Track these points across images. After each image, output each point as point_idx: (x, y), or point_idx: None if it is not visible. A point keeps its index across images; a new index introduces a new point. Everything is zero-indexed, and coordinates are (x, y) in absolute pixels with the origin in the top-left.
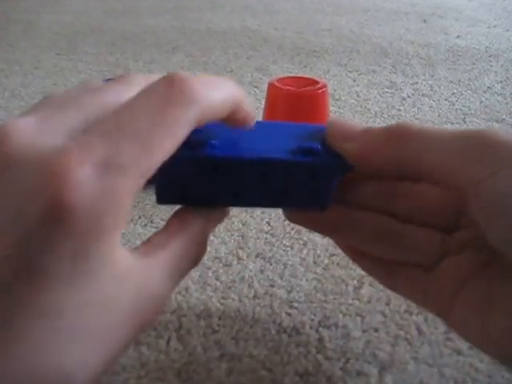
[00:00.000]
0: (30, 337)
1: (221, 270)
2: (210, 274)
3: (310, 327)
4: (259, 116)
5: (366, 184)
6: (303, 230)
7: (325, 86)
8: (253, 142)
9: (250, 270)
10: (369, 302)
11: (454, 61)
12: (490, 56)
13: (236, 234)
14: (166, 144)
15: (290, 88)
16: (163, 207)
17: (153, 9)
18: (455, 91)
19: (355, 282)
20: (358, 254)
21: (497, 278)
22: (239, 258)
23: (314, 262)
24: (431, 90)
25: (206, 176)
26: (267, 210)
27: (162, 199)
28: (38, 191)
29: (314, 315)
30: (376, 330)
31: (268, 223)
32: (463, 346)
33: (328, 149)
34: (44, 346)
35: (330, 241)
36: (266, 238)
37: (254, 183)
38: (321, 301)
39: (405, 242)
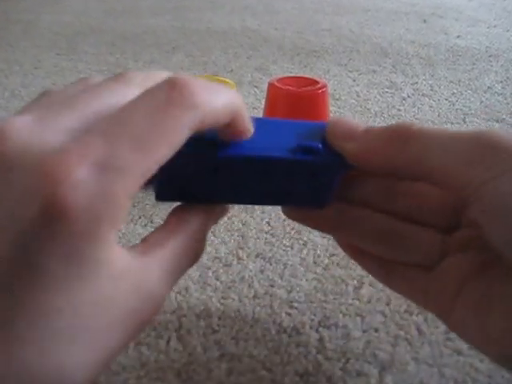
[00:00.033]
0: (28, 337)
1: (221, 270)
2: (210, 274)
3: (310, 327)
4: (259, 116)
5: (366, 182)
6: (303, 230)
7: (325, 85)
8: (253, 139)
9: (250, 270)
10: (369, 302)
11: (454, 61)
12: (490, 56)
13: (236, 234)
14: (165, 147)
15: (290, 88)
16: (163, 207)
17: (153, 9)
18: (455, 91)
19: (355, 282)
20: (358, 253)
21: (497, 279)
22: (239, 258)
23: (314, 262)
24: (431, 89)
25: (206, 174)
26: (267, 209)
27: (161, 197)
28: (35, 191)
29: (314, 315)
30: (376, 330)
31: (268, 223)
32: (463, 346)
33: (328, 147)
34: (42, 346)
35: (330, 241)
36: (266, 238)
37: (253, 181)
38: (321, 301)
39: (405, 242)
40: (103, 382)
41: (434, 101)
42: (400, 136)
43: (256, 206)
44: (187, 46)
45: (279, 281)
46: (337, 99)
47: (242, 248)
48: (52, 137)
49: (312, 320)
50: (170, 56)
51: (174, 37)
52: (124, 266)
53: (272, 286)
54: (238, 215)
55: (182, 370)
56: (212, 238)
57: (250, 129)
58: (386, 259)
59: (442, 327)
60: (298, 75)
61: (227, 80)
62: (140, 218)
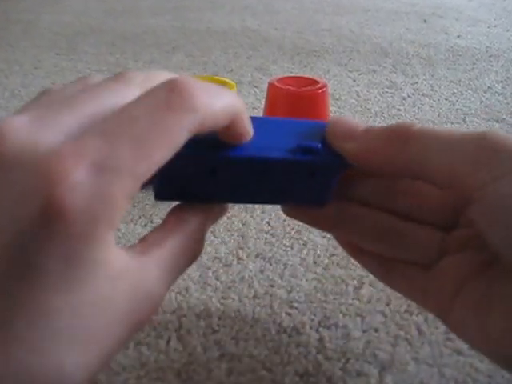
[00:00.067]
0: (27, 337)
1: (221, 270)
2: (210, 273)
3: (310, 327)
4: (259, 116)
5: (365, 180)
6: (303, 229)
7: (325, 85)
8: (252, 139)
9: (250, 270)
10: (369, 302)
11: (455, 61)
12: (490, 56)
13: (236, 233)
14: (164, 149)
15: (290, 88)
16: (163, 207)
17: (153, 9)
18: (455, 91)
19: (355, 282)
20: (357, 251)
21: (496, 279)
22: (239, 258)
23: (314, 262)
24: (431, 89)
25: (205, 174)
26: (267, 209)
27: (160, 196)
28: (33, 192)
29: (314, 315)
30: (376, 330)
31: (268, 223)
32: (463, 346)
33: (328, 147)
34: (41, 346)
35: (330, 241)
36: (266, 238)
37: (253, 181)
38: (321, 301)
39: (404, 240)
40: (103, 382)
41: (434, 101)
42: (400, 136)
43: (256, 206)
44: (187, 45)
45: (279, 281)
46: (337, 99)
47: (241, 248)
48: (50, 137)
49: (312, 320)
50: (170, 56)
51: (173, 37)
52: (122, 267)
53: (272, 286)
54: (237, 215)
55: (181, 370)
56: (212, 237)
57: (249, 131)
58: (385, 257)
59: (442, 327)
60: (298, 75)
61: (227, 80)
62: (140, 217)
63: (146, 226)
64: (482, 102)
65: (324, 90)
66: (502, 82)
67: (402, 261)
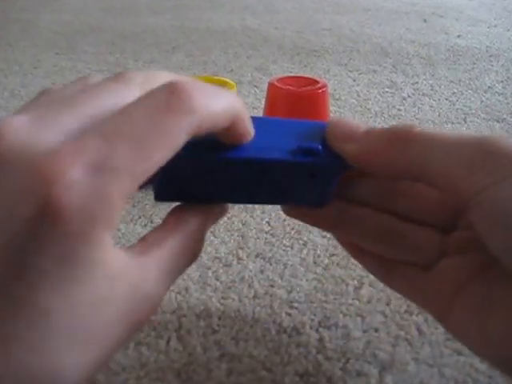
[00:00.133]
0: (26, 337)
1: (221, 270)
2: (210, 274)
3: (310, 327)
4: (259, 116)
5: (366, 181)
6: (303, 229)
7: (325, 85)
8: (252, 140)
9: (250, 270)
10: (369, 302)
11: (455, 60)
12: (490, 56)
13: (236, 234)
14: (162, 150)
15: (290, 88)
16: (163, 207)
17: (152, 7)
18: (456, 91)
19: (355, 282)
20: (358, 251)
21: (496, 281)
22: (239, 258)
23: (314, 262)
24: (432, 89)
25: (205, 175)
26: (267, 209)
27: (160, 197)
28: (30, 191)
29: (314, 315)
30: (376, 331)
31: (268, 223)
32: (464, 346)
33: (328, 148)
34: (40, 346)
35: (330, 241)
36: (266, 238)
37: (253, 182)
38: (321, 301)
39: (404, 241)
40: (103, 382)
41: (435, 100)
42: (401, 138)
43: (256, 206)
44: (187, 45)
45: (279, 281)
46: (337, 99)
47: (241, 248)
48: (50, 137)
49: (312, 320)
50: (170, 55)
51: (173, 36)
52: (120, 267)
53: (272, 286)
54: (237, 215)
55: (181, 370)
56: (212, 237)
57: (250, 132)
58: (385, 258)
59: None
60: (298, 75)
61: (227, 80)
62: (140, 217)
63: (145, 225)
64: (482, 101)
65: (324, 89)
66: (502, 81)
67: (402, 262)
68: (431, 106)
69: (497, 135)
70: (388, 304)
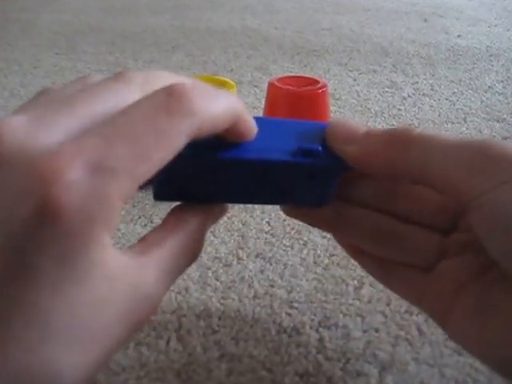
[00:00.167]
0: (25, 337)
1: (221, 270)
2: (210, 274)
3: (311, 327)
4: (259, 116)
5: (365, 183)
6: (303, 230)
7: (325, 85)
8: (253, 141)
9: (250, 270)
10: (369, 302)
11: (455, 60)
12: (490, 55)
13: (236, 234)
14: (162, 152)
15: (290, 87)
16: (163, 207)
17: (152, 7)
18: (456, 91)
19: (355, 282)
20: (357, 252)
21: (496, 283)
22: (239, 258)
23: (314, 262)
24: (432, 89)
25: (205, 175)
26: (267, 209)
27: (159, 196)
28: (29, 191)
29: (315, 315)
30: (376, 331)
31: (268, 223)
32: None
33: (328, 149)
34: (38, 346)
35: (330, 241)
36: (266, 238)
37: (253, 182)
38: (321, 301)
39: (403, 242)
40: (103, 382)
41: (435, 100)
42: (401, 140)
43: (256, 206)
44: (187, 45)
45: (279, 281)
46: (337, 99)
47: (242, 248)
48: (48, 137)
49: (312, 320)
50: (170, 55)
51: (173, 36)
52: (119, 267)
53: (272, 286)
54: (237, 215)
55: (181, 370)
56: (212, 237)
57: (252, 130)
58: (384, 259)
59: None
60: (298, 75)
61: (227, 80)
62: (140, 217)
63: (145, 225)
64: (482, 101)
65: (324, 89)
66: (502, 81)
67: (402, 263)
68: (431, 106)
69: (494, 139)
70: (388, 304)
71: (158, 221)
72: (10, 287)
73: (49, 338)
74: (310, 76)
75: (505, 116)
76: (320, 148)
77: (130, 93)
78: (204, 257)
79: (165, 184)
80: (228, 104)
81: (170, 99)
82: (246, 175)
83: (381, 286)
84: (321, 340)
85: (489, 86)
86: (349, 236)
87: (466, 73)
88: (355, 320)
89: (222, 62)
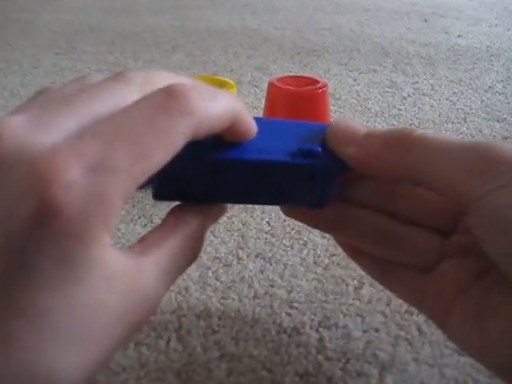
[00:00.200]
0: (25, 337)
1: (221, 270)
2: (210, 274)
3: (311, 327)
4: (259, 116)
5: (366, 183)
6: (303, 230)
7: (325, 85)
8: (252, 141)
9: (250, 270)
10: (369, 302)
11: (455, 60)
12: (491, 55)
13: (236, 234)
14: (160, 151)
15: (290, 87)
16: (163, 207)
17: (152, 7)
18: (456, 90)
19: (356, 282)
20: (356, 252)
21: (496, 285)
22: (239, 258)
23: (315, 262)
24: (432, 89)
25: (205, 176)
26: (267, 209)
27: (159, 196)
28: (28, 191)
29: (315, 315)
30: (376, 331)
31: (268, 223)
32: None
33: (328, 150)
34: (38, 346)
35: (331, 241)
36: (266, 238)
37: (252, 183)
38: (321, 301)
39: (403, 243)
40: (103, 382)
41: (435, 100)
42: (401, 142)
43: (256, 206)
44: (187, 45)
45: (279, 281)
46: (337, 99)
47: (242, 248)
48: (48, 137)
49: (312, 320)
50: (170, 55)
51: (173, 36)
52: (118, 268)
53: (272, 286)
54: (237, 215)
55: (181, 370)
56: (212, 237)
57: (252, 130)
58: (384, 260)
59: None
60: (298, 74)
61: (227, 80)
62: (140, 217)
63: (145, 225)
64: (482, 101)
65: (324, 89)
66: (502, 81)
67: (401, 264)
68: (431, 106)
69: (496, 142)
70: (388, 304)
71: (158, 221)
72: (9, 287)
73: (48, 338)
74: (310, 76)
75: (505, 116)
76: (320, 149)
77: (129, 93)
78: (204, 257)
79: (164, 184)
80: (227, 104)
81: (168, 99)
82: (246, 175)
83: (381, 286)
84: (321, 340)
85: (489, 86)
86: (348, 237)
87: (467, 73)
88: (355, 320)
89: (221, 61)
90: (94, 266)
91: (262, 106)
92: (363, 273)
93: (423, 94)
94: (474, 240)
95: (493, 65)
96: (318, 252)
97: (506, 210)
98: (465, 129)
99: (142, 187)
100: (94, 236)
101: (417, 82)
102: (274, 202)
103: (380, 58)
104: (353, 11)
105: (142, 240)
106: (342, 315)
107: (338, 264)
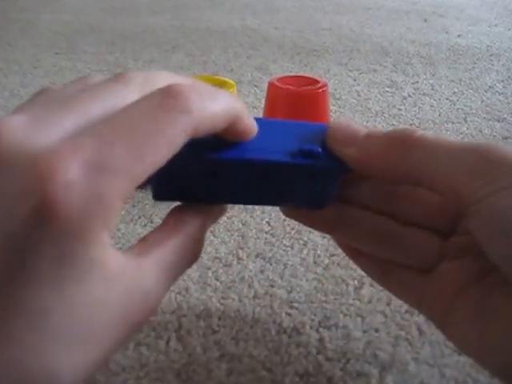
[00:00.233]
0: (24, 337)
1: (221, 270)
2: (210, 274)
3: (311, 327)
4: (259, 116)
5: (366, 184)
6: (303, 230)
7: (325, 85)
8: (252, 141)
9: (250, 270)
10: (369, 302)
11: (455, 60)
12: (491, 55)
13: (236, 234)
14: (159, 150)
15: (290, 87)
16: (163, 207)
17: (152, 7)
18: (456, 90)
19: (356, 282)
20: (356, 253)
21: (496, 287)
22: (239, 258)
23: (315, 262)
24: (432, 89)
25: (205, 175)
26: (267, 209)
27: (158, 196)
28: (27, 191)
29: (315, 315)
30: (377, 331)
31: (268, 223)
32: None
33: (328, 151)
34: (37, 346)
35: (331, 241)
36: (266, 238)
37: (252, 183)
38: (321, 301)
39: (403, 244)
40: (103, 382)
41: (435, 100)
42: (402, 143)
43: (256, 206)
44: (187, 45)
45: (279, 281)
46: (337, 99)
47: (242, 248)
48: (48, 137)
49: (312, 320)
50: (170, 55)
51: (173, 36)
52: (118, 268)
53: (272, 286)
54: (237, 215)
55: (181, 370)
56: (212, 237)
57: (252, 129)
58: (383, 260)
59: None
60: (298, 74)
61: (227, 79)
62: (140, 217)
63: (145, 225)
64: (482, 101)
65: (324, 89)
66: (502, 81)
67: (401, 264)
68: (432, 106)
69: (497, 143)
70: (388, 304)
71: (157, 221)
72: (9, 287)
73: (48, 338)
74: (310, 76)
75: (505, 116)
76: (320, 149)
77: (129, 93)
78: (204, 257)
79: (164, 184)
80: (227, 103)
81: (167, 98)
82: (246, 175)
83: (381, 286)
84: (321, 340)
85: (489, 86)
86: (348, 237)
87: (467, 72)
88: (355, 320)
89: (221, 61)
90: (93, 266)
91: (262, 105)
92: (363, 273)
93: (423, 94)
94: (474, 241)
95: (493, 64)
96: (318, 252)
97: (508, 212)
98: (465, 129)
99: (141, 187)
100: (94, 235)
101: (417, 82)
102: (273, 203)
103: (380, 57)
104: (353, 11)
105: (143, 240)
106: (342, 315)
107: (338, 264)
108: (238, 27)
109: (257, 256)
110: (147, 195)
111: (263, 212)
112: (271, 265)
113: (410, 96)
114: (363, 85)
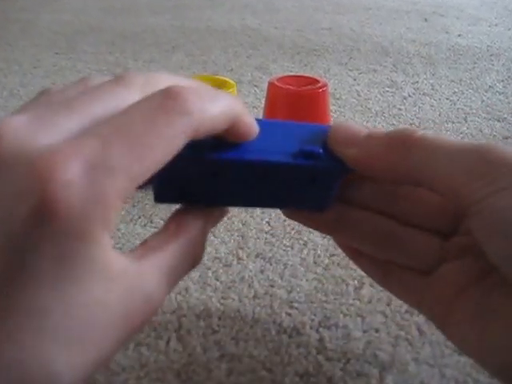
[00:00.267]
0: (23, 337)
1: (221, 270)
2: (210, 274)
3: (311, 327)
4: (259, 116)
5: (366, 185)
6: (303, 230)
7: (325, 85)
8: (253, 142)
9: (250, 270)
10: (369, 302)
11: (455, 60)
12: (491, 55)
13: (236, 234)
14: (159, 151)
15: (290, 87)
16: (163, 207)
17: (152, 7)
18: (456, 90)
19: (356, 282)
20: (356, 254)
21: (496, 288)
22: (239, 258)
23: (315, 262)
24: (432, 89)
25: (206, 177)
26: (267, 209)
27: (160, 198)
28: (28, 191)
29: (315, 315)
30: (377, 331)
31: (268, 223)
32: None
33: (329, 152)
34: (31, 346)
35: (331, 241)
36: (266, 238)
37: (253, 184)
38: (321, 301)
39: (403, 245)
40: (103, 382)
41: (435, 100)
42: (402, 143)
43: None
44: (187, 45)
45: (279, 281)
46: (337, 98)
47: (242, 248)
48: (48, 137)
49: (312, 320)
50: (170, 55)
51: (173, 36)
52: (118, 268)
53: (272, 286)
54: (237, 215)
55: (181, 370)
56: (212, 238)
57: (253, 130)
58: (384, 261)
59: None
60: (299, 74)
61: (227, 79)
62: (140, 217)
63: (145, 225)
64: (483, 101)
65: (324, 89)
66: (503, 81)
67: (401, 265)
68: (432, 106)
69: (497, 144)
70: (388, 304)
71: (157, 221)
72: (9, 287)
73: (48, 338)
74: (310, 75)
75: (505, 115)
76: (321, 150)
77: (130, 95)
78: (204, 257)
79: (165, 186)
80: (227, 105)
81: (167, 99)
82: (247, 176)
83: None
84: (321, 340)
85: (489, 86)
86: (349, 238)
87: (467, 72)
88: (355, 320)
89: (222, 61)
90: (93, 266)
91: (262, 105)
92: (363, 273)
93: (423, 94)
94: (474, 242)
95: (493, 64)
96: (318, 252)
97: (507, 212)
98: (465, 128)
99: (142, 187)
100: (94, 235)
101: (417, 82)
102: (274, 205)
103: (380, 57)
104: (353, 11)
105: (144, 243)
106: (342, 315)
107: (338, 264)
108: (237, 27)
109: (257, 256)
110: (147, 195)
111: (263, 212)
112: (271, 265)
113: (410, 96)
114: (363, 85)
